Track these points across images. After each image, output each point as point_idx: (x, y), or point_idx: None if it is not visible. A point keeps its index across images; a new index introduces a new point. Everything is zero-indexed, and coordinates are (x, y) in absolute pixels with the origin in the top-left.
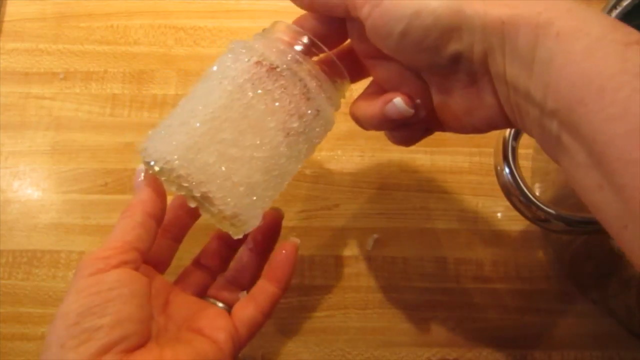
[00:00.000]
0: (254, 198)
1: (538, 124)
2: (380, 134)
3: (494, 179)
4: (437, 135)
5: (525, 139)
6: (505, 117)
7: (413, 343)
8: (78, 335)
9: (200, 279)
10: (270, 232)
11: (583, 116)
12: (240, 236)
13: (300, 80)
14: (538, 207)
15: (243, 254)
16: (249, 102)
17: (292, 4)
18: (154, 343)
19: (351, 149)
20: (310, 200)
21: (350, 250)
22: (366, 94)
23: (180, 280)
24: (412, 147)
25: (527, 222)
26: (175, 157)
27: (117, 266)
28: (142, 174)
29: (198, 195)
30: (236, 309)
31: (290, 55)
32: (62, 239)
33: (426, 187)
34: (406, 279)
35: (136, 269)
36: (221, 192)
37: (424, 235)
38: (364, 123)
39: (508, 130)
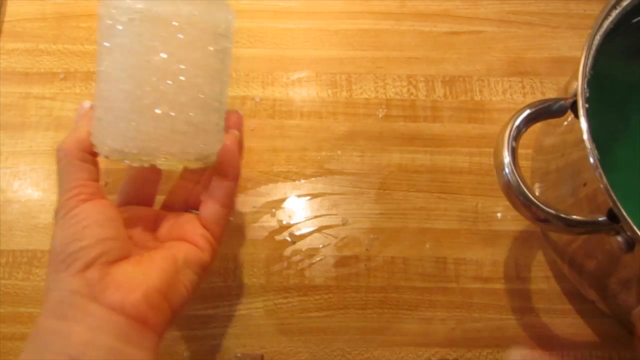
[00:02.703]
0: (206, 131)
1: None
2: (379, 133)
3: (494, 179)
4: (437, 135)
5: (524, 139)
6: None
7: (413, 343)
8: (65, 260)
9: (181, 195)
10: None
11: None
12: (213, 163)
13: (176, 15)
14: (538, 207)
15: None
16: (146, 59)
17: (291, 4)
18: (136, 256)
19: (351, 149)
20: (310, 201)
21: (350, 250)
22: None
23: (165, 203)
24: (412, 147)
25: (527, 222)
26: (121, 143)
27: (86, 200)
28: (86, 105)
29: (161, 160)
30: (201, 210)
31: None
32: None
33: (426, 187)
34: (406, 279)
35: (102, 197)
36: (176, 147)
37: (424, 235)
38: None
39: (508, 130)
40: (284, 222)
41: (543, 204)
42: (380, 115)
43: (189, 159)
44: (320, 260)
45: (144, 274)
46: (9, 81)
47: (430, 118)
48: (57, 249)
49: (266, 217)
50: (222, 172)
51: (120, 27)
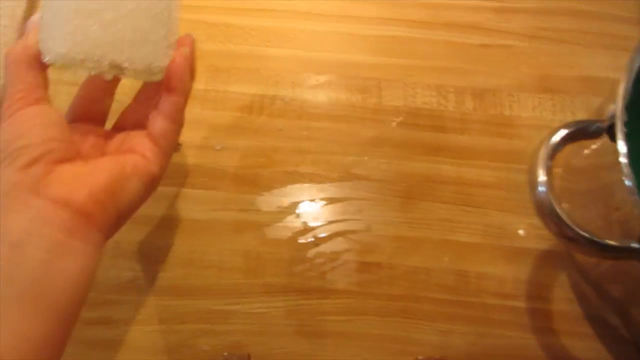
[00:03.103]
0: (154, 42)
1: None
2: (407, 142)
3: (520, 195)
4: (464, 147)
5: (557, 158)
6: None
7: (432, 354)
8: (9, 155)
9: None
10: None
11: None
12: (160, 78)
13: None
14: (570, 229)
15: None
16: None
17: (323, 7)
18: (81, 160)
19: (378, 156)
20: (335, 204)
21: (373, 257)
22: None
23: (116, 125)
24: (439, 158)
25: (551, 242)
26: (66, 48)
27: (32, 104)
28: (36, 17)
29: (107, 68)
30: (149, 125)
31: None
32: None
33: (451, 199)
34: (427, 290)
35: (48, 103)
36: (122, 55)
37: (446, 247)
38: None
39: (544, 148)
40: (308, 224)
41: (576, 227)
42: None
43: (135, 68)
44: (343, 264)
45: (91, 174)
46: None
47: (458, 130)
48: (1, 147)
49: (290, 217)
50: (171, 87)
51: None
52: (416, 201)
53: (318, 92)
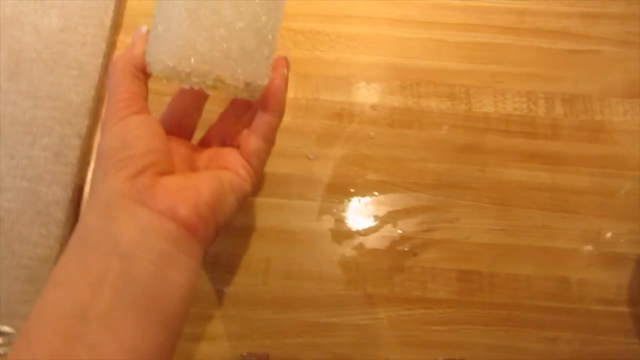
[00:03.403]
0: (256, 62)
1: None
2: (499, 148)
3: (616, 200)
4: (557, 153)
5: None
6: None
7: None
8: (116, 164)
9: (219, 133)
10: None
11: None
12: (258, 97)
13: None
14: None
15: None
16: None
17: (409, 13)
18: (182, 173)
19: (470, 163)
20: (431, 212)
21: (472, 265)
22: None
23: (203, 140)
24: (532, 164)
25: None
26: (175, 61)
27: (136, 113)
28: (143, 29)
29: (211, 83)
30: (242, 143)
31: None
32: None
33: (548, 205)
34: (530, 297)
35: (147, 113)
36: (228, 72)
37: (546, 254)
38: None
39: None
40: (405, 233)
41: None
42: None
43: (237, 85)
44: (442, 273)
45: (195, 187)
46: None
47: (550, 136)
48: (106, 153)
49: (388, 226)
50: (268, 106)
51: None
52: (512, 208)
53: (407, 99)
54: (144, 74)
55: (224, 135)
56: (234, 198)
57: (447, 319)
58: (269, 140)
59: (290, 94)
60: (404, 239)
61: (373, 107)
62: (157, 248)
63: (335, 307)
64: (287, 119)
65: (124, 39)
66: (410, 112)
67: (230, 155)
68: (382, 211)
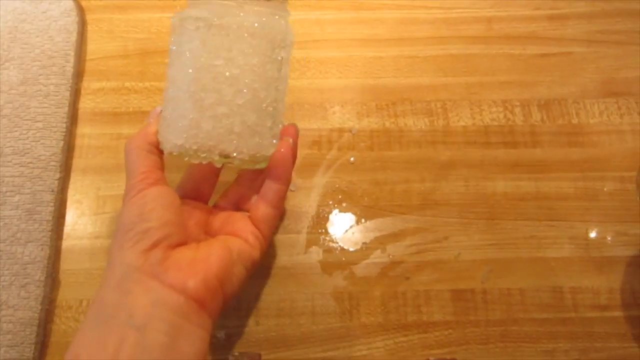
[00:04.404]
0: (261, 136)
1: None
2: (481, 161)
3: (601, 203)
4: (539, 161)
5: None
6: None
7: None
8: (132, 237)
9: (234, 197)
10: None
11: None
12: (265, 166)
13: (238, 25)
14: None
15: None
16: (209, 63)
17: (377, 32)
18: (193, 244)
19: (454, 179)
20: (419, 234)
21: (465, 284)
22: None
23: (218, 203)
24: (515, 174)
25: (639, 247)
26: (182, 139)
27: (152, 184)
28: (158, 110)
29: (217, 157)
30: (252, 211)
31: (219, 6)
32: None
33: (534, 215)
34: (524, 311)
35: (166, 185)
36: (231, 146)
37: (537, 265)
38: None
39: None
40: (395, 257)
41: None
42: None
43: (242, 158)
44: (436, 295)
45: (204, 260)
46: (98, 122)
47: (530, 143)
48: (124, 227)
49: (376, 252)
50: (274, 175)
51: (187, 34)
52: (500, 221)
53: (384, 120)
54: (158, 149)
55: (237, 199)
56: (243, 267)
57: (444, 341)
58: (277, 207)
59: None
60: (394, 264)
61: (351, 131)
62: (168, 320)
63: (331, 341)
64: None
65: (88, 86)
66: (389, 133)
67: (241, 221)
68: (369, 237)
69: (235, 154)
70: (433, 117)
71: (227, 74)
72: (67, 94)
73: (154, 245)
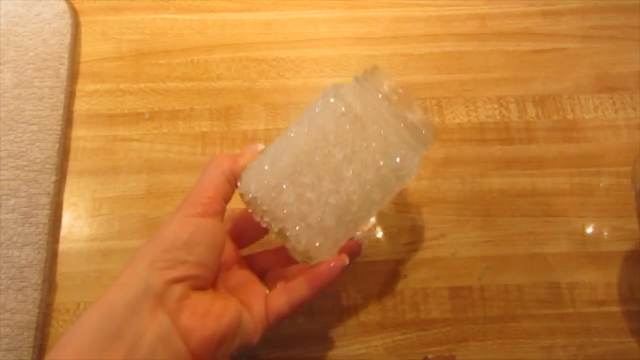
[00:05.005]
0: (325, 240)
1: None
2: (477, 158)
3: (596, 198)
4: (535, 157)
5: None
6: None
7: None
8: (167, 259)
9: (266, 262)
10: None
11: None
12: (310, 265)
13: (381, 134)
14: None
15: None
16: (330, 151)
17: (372, 30)
18: (211, 291)
19: (450, 176)
20: (417, 231)
21: (463, 281)
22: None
23: (250, 257)
24: (511, 171)
25: (636, 242)
26: (261, 193)
27: (212, 215)
28: (259, 147)
29: (276, 230)
30: (271, 296)
31: (375, 108)
32: None
33: (530, 211)
34: (522, 307)
35: (222, 220)
36: (294, 231)
37: (534, 261)
38: None
39: None
40: (393, 255)
41: None
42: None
43: (295, 247)
44: (434, 292)
45: (217, 317)
46: (93, 124)
47: (525, 140)
48: (165, 242)
49: (374, 250)
50: (310, 281)
51: (331, 112)
52: (496, 218)
53: None
54: (235, 182)
55: (268, 266)
56: (240, 342)
57: (442, 338)
58: (294, 309)
59: (260, 126)
60: (392, 261)
61: None
62: None
63: (329, 340)
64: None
65: (82, 88)
66: None
67: (257, 299)
68: (366, 235)
69: (292, 240)
70: (428, 114)
71: (337, 169)
72: (62, 96)
73: (182, 279)
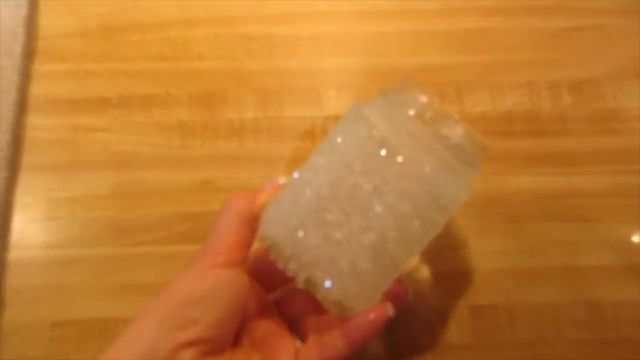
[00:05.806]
0: (362, 287)
1: None
2: (503, 153)
3: None
4: (571, 152)
5: None
6: None
7: None
8: (179, 317)
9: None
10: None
11: None
12: (347, 316)
13: (416, 160)
14: None
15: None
16: (357, 182)
17: (379, 2)
18: (228, 354)
19: None
20: (433, 240)
21: (487, 299)
22: None
23: (280, 302)
24: (543, 168)
25: None
26: (282, 237)
27: (233, 264)
28: (280, 181)
29: (304, 278)
30: (301, 352)
31: (406, 128)
32: (136, 302)
33: (566, 215)
34: (557, 331)
35: (244, 270)
36: (323, 279)
37: (570, 275)
38: None
39: None
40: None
41: None
42: None
43: (326, 297)
44: (453, 312)
45: None
46: (52, 111)
47: (560, 132)
48: (178, 296)
49: None
50: (348, 336)
51: (355, 136)
52: (525, 224)
53: None
54: (256, 223)
55: (301, 312)
56: None
57: None
58: None
59: (249, 114)
60: (401, 276)
61: None
62: None
63: None
64: (248, 144)
65: (40, 68)
66: None
67: (286, 355)
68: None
69: (322, 289)
70: (445, 101)
71: (368, 204)
72: (16, 77)
73: (193, 343)
